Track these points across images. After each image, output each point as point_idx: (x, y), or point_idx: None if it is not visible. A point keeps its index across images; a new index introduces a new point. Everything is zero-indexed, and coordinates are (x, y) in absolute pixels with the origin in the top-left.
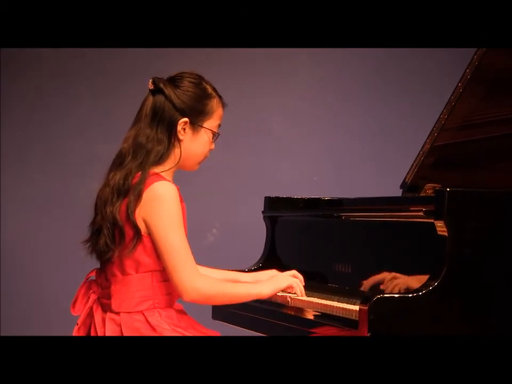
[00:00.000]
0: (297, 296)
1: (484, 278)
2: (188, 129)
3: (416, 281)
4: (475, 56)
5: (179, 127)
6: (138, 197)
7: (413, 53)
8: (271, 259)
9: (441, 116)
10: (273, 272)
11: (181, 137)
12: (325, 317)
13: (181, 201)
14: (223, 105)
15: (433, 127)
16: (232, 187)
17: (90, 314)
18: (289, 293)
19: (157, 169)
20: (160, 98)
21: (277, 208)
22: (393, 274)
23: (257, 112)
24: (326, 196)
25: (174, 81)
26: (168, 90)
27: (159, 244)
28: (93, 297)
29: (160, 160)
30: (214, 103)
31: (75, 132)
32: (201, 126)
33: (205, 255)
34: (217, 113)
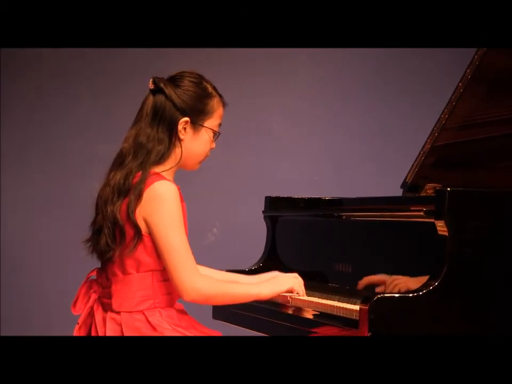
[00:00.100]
0: (298, 296)
1: (484, 277)
2: (189, 129)
3: (416, 281)
4: (475, 56)
5: (180, 127)
6: (139, 196)
7: (413, 53)
8: (272, 259)
9: (442, 116)
10: (275, 273)
11: (181, 136)
12: (326, 317)
13: (182, 200)
14: (224, 104)
15: (434, 127)
16: (233, 187)
17: (91, 314)
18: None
19: (157, 169)
20: (160, 97)
21: (277, 208)
22: (394, 274)
23: (257, 112)
24: (327, 196)
25: (174, 80)
26: (169, 90)
27: (160, 243)
28: (93, 296)
29: (160, 159)
30: (215, 102)
31: (75, 132)
32: (202, 125)
33: (206, 255)
34: (217, 113)
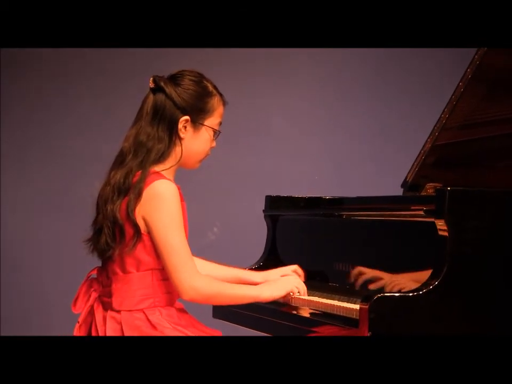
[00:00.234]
0: (299, 295)
1: (484, 277)
2: (189, 127)
3: (416, 280)
4: (476, 56)
5: (180, 125)
6: (138, 195)
7: (413, 53)
8: (272, 258)
9: (442, 115)
10: (283, 270)
11: (182, 135)
12: (326, 316)
13: (182, 200)
14: (224, 103)
15: (434, 126)
16: (233, 186)
17: (91, 313)
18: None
19: (157, 168)
20: (161, 96)
21: (277, 207)
22: (394, 273)
23: (257, 112)
24: (327, 195)
25: (174, 79)
26: (169, 89)
27: (159, 242)
28: (94, 295)
29: (161, 158)
30: (215, 101)
31: (75, 132)
32: (202, 124)
33: (206, 254)
34: (218, 111)
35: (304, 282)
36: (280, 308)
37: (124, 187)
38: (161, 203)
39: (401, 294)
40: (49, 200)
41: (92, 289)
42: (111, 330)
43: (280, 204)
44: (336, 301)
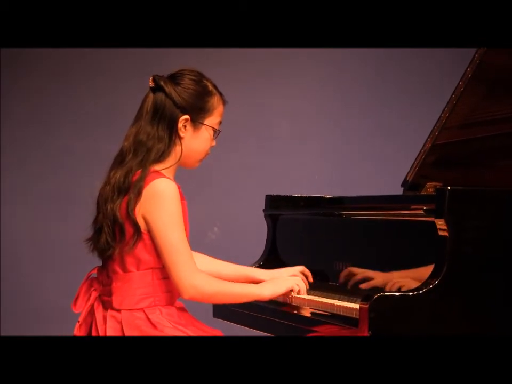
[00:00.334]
0: (297, 294)
1: (484, 276)
2: (189, 127)
3: (416, 279)
4: (476, 55)
5: (180, 125)
6: (138, 194)
7: (413, 53)
8: (272, 257)
9: (442, 115)
10: (290, 270)
11: (181, 134)
12: (326, 315)
13: (182, 199)
14: (224, 102)
15: (434, 126)
16: (233, 185)
17: (91, 312)
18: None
19: (157, 167)
20: (160, 95)
21: (278, 207)
22: (394, 272)
23: (258, 111)
24: (327, 194)
25: (174, 78)
26: (169, 88)
27: (159, 241)
28: (94, 294)
29: (161, 157)
30: (215, 100)
31: (76, 132)
32: (202, 123)
33: (206, 253)
34: (218, 110)
35: (308, 281)
36: (280, 308)
37: (124, 186)
38: (161, 201)
39: (401, 294)
40: (49, 200)
41: (92, 288)
42: (111, 329)
43: (280, 203)
44: (336, 301)
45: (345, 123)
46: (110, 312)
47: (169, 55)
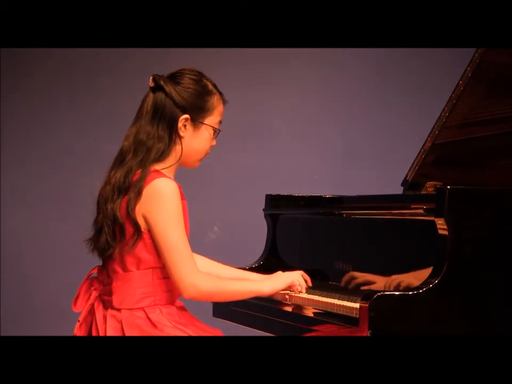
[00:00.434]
0: (295, 293)
1: (484, 275)
2: (189, 126)
3: (416, 279)
4: (476, 55)
5: (180, 124)
6: (139, 193)
7: (413, 53)
8: (272, 257)
9: (442, 114)
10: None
11: (181, 134)
12: (326, 315)
13: (182, 198)
14: (224, 101)
15: (434, 125)
16: (233, 185)
17: (91, 312)
18: (290, 290)
19: (157, 167)
20: (160, 95)
21: (278, 206)
22: (394, 272)
23: (258, 111)
24: (327, 194)
25: (174, 78)
26: (169, 87)
27: (159, 240)
28: (94, 294)
29: (161, 157)
30: (215, 99)
31: (76, 131)
32: (202, 123)
33: (207, 253)
34: (218, 110)
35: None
36: (281, 307)
37: (124, 186)
38: (162, 201)
39: (401, 293)
40: (49, 200)
41: (92, 288)
42: (111, 328)
43: (280, 203)
44: (336, 300)
45: (345, 123)
46: (110, 311)
47: (169, 55)
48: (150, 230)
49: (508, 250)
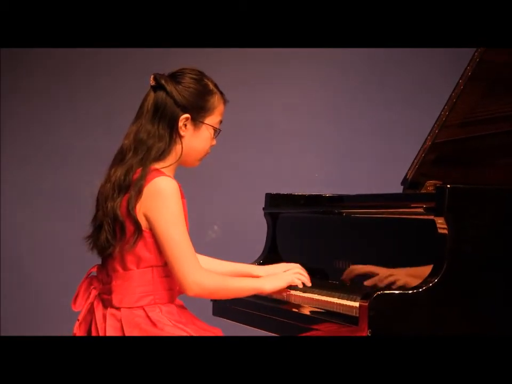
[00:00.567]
0: (297, 289)
1: (484, 275)
2: (189, 125)
3: (416, 278)
4: (476, 54)
5: (180, 123)
6: (139, 192)
7: (413, 53)
8: (272, 256)
9: (442, 113)
10: (287, 266)
11: (182, 133)
12: (325, 314)
13: (182, 197)
14: (225, 101)
15: (434, 124)
16: (233, 184)
17: (91, 310)
18: (290, 287)
19: (157, 165)
20: (161, 94)
21: (277, 205)
22: (394, 270)
23: (258, 110)
24: (327, 193)
25: (175, 77)
26: (170, 87)
27: (161, 238)
28: (94, 293)
29: (161, 156)
30: (216, 99)
31: (76, 131)
32: (203, 122)
33: (206, 252)
34: (218, 110)
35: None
36: (281, 306)
37: (125, 184)
38: (162, 199)
39: (401, 292)
40: (49, 200)
41: (92, 287)
42: (111, 327)
43: (280, 202)
44: (336, 299)
45: (345, 122)
46: (109, 310)
47: (169, 55)
48: (151, 229)
49: (507, 249)
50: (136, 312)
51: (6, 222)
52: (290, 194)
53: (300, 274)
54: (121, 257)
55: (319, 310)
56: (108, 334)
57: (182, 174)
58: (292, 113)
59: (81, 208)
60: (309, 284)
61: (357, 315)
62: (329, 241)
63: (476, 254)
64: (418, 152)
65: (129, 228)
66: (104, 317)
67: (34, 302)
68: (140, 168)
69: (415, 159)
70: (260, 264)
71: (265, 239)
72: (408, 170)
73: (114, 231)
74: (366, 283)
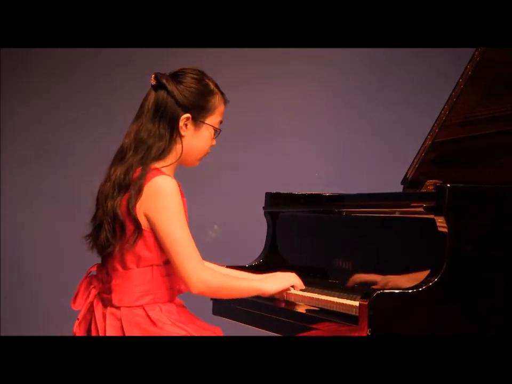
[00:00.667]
0: (293, 291)
1: (484, 274)
2: (190, 125)
3: (416, 277)
4: (476, 53)
5: (181, 123)
6: (139, 191)
7: (413, 53)
8: (272, 255)
9: (442, 112)
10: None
11: (182, 133)
12: (325, 313)
13: (182, 196)
14: (225, 101)
15: (434, 123)
16: (233, 183)
17: (90, 310)
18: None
19: (158, 165)
20: (162, 93)
21: (277, 204)
22: (394, 270)
23: (258, 110)
24: (327, 192)
25: (176, 77)
26: (171, 86)
27: (163, 238)
28: (93, 292)
29: (161, 155)
30: (216, 99)
31: (76, 131)
32: (203, 122)
33: (206, 251)
34: (219, 110)
35: (303, 280)
36: (280, 305)
37: (125, 183)
38: (162, 198)
39: (401, 291)
40: (49, 200)
41: (92, 286)
42: (110, 326)
43: (280, 201)
44: (336, 298)
45: (345, 121)
46: (109, 309)
47: (169, 55)
48: (152, 228)
49: (507, 248)
50: (136, 311)
51: (6, 222)
52: (290, 194)
53: (298, 280)
54: (121, 256)
55: (319, 309)
56: (107, 333)
57: (182, 174)
58: (292, 113)
59: (81, 208)
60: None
61: (357, 314)
62: (329, 240)
63: (476, 253)
64: (419, 151)
65: (129, 227)
66: (104, 316)
67: (34, 302)
68: (140, 167)
69: (415, 158)
70: (260, 263)
71: (265, 238)
72: (408, 169)
73: (114, 230)
74: (365, 281)
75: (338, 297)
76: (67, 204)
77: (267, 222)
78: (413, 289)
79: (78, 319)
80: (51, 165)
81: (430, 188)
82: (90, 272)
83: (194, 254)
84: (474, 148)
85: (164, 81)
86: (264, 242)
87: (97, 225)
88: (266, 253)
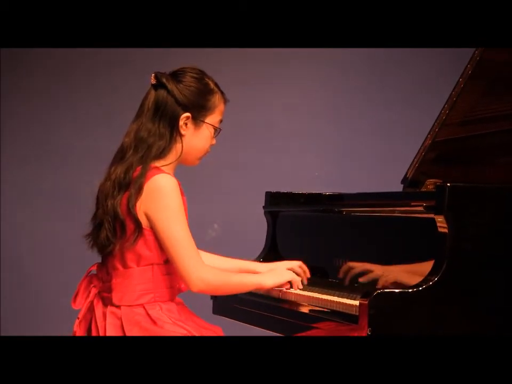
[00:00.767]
0: (294, 289)
1: (484, 273)
2: (190, 124)
3: (416, 276)
4: (476, 52)
5: (181, 122)
6: (139, 190)
7: (412, 53)
8: (272, 254)
9: (442, 111)
10: (288, 264)
11: (182, 132)
12: (325, 312)
13: (182, 195)
14: (225, 100)
15: (434, 123)
16: (233, 183)
17: (91, 309)
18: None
19: (158, 164)
20: (162, 93)
21: (278, 203)
22: (394, 269)
23: (258, 110)
24: (327, 191)
25: (176, 76)
26: (171, 85)
27: (163, 236)
28: (93, 291)
29: (161, 154)
30: (216, 98)
31: (76, 131)
32: (203, 121)
33: (206, 250)
34: (219, 109)
35: (307, 277)
36: (280, 304)
37: (125, 182)
38: (162, 197)
39: (401, 290)
40: (49, 200)
41: (92, 285)
42: (111, 325)
43: (280, 200)
44: (336, 297)
45: (345, 121)
46: (109, 308)
47: (169, 55)
48: (152, 227)
49: (507, 248)
50: (136, 310)
51: (6, 222)
52: (290, 193)
53: (301, 268)
54: (121, 255)
55: (318, 308)
56: (108, 332)
57: (182, 173)
58: (292, 113)
59: (81, 208)
60: (305, 283)
61: (357, 313)
62: (329, 239)
63: (476, 252)
64: (419, 150)
65: (130, 225)
66: (104, 315)
67: (34, 302)
68: (140, 166)
69: (415, 157)
70: (260, 262)
71: (265, 237)
72: (408, 169)
73: (114, 229)
74: (365, 280)
75: (338, 296)
76: (67, 204)
77: (267, 221)
78: (413, 289)
79: (78, 318)
80: (51, 165)
81: (430, 187)
82: (90, 271)
83: (193, 253)
84: (474, 147)
85: (164, 80)
86: (264, 242)
87: (98, 224)
88: (266, 252)
